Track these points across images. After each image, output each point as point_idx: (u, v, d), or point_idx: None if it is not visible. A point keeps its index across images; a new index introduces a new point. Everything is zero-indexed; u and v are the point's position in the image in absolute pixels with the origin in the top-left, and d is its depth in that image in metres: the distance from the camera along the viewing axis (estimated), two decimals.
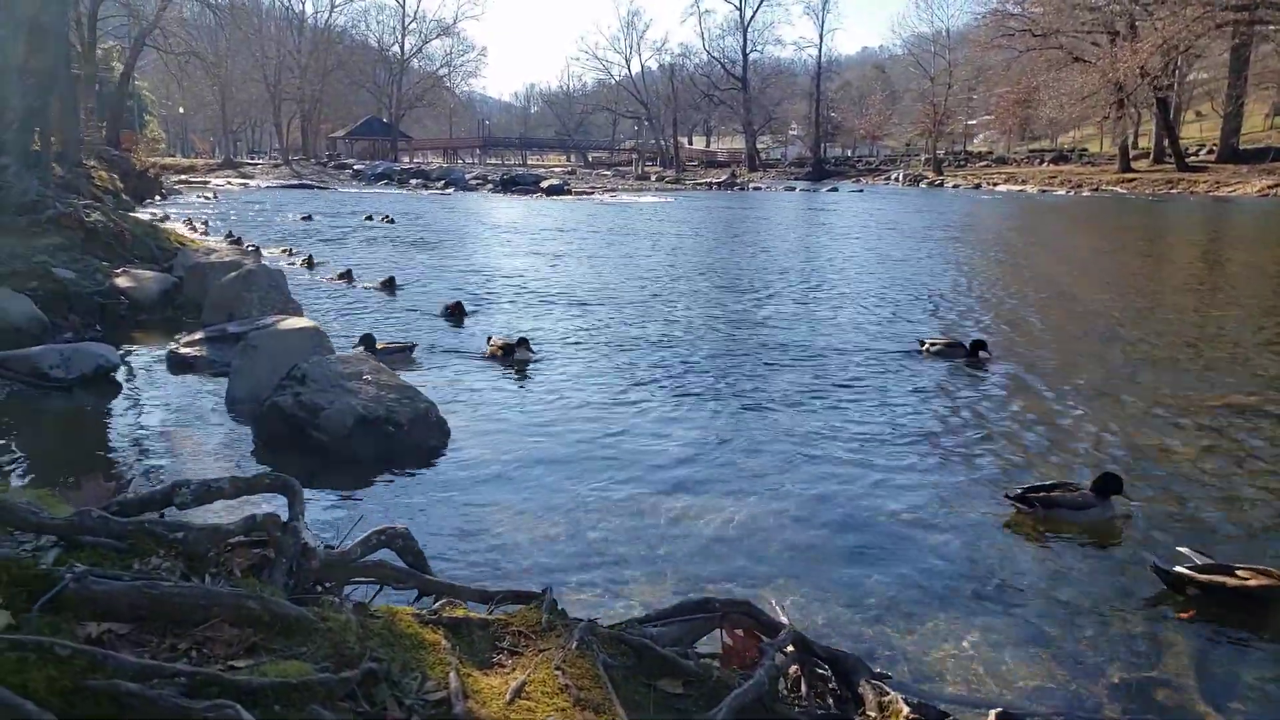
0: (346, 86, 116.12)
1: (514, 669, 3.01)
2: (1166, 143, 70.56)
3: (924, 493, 7.62)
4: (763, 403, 10.22)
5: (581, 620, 3.40)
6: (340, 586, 3.67)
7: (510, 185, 70.69)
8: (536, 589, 3.70)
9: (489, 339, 12.52)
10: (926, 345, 12.61)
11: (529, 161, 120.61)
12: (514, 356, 11.82)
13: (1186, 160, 68.01)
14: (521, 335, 12.30)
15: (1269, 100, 77.13)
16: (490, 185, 72.76)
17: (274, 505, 4.40)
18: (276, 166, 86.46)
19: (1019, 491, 7.24)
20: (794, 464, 8.18)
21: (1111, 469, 7.56)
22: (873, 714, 3.56)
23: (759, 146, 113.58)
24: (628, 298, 17.82)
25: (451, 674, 2.76)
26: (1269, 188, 55.29)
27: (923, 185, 79.11)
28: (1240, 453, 8.58)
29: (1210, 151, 70.26)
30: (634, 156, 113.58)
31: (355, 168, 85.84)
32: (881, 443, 8.86)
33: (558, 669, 3.00)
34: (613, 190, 70.72)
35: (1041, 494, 7.15)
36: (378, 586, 3.81)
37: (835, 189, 74.79)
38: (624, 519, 6.84)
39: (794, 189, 76.63)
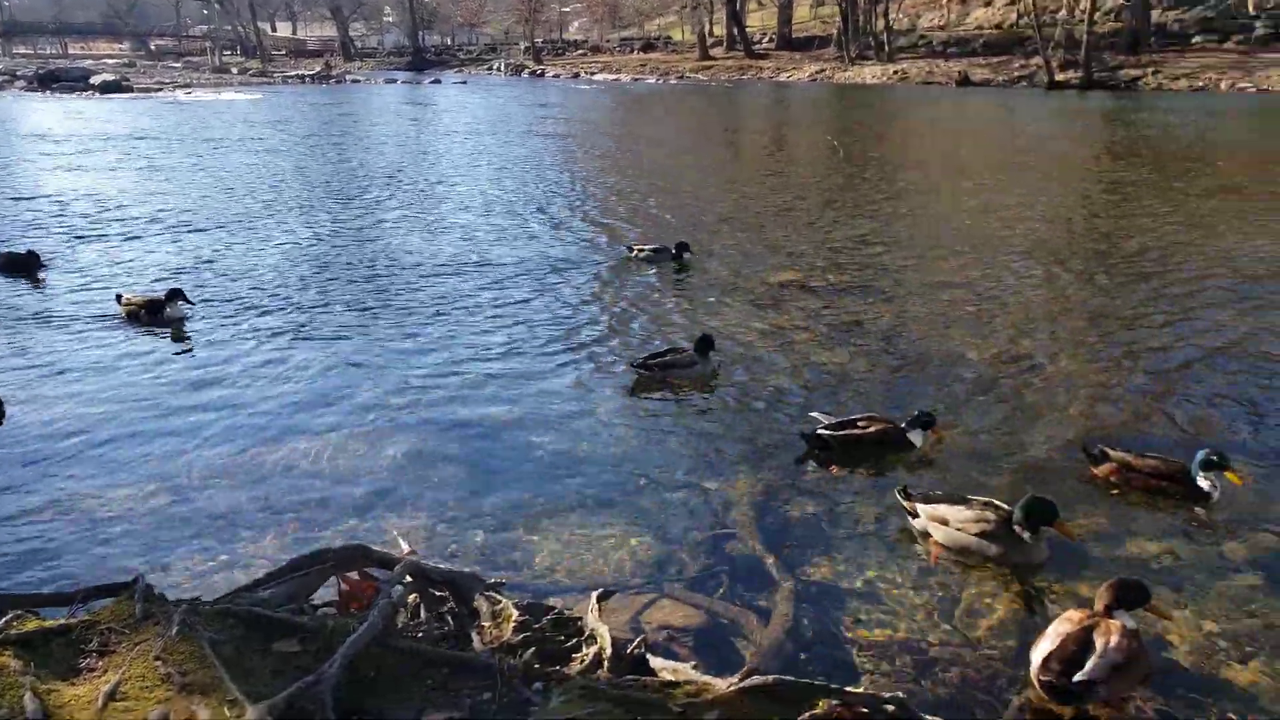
0: None
1: (105, 671, 2.86)
2: (736, 31, 77.34)
3: (552, 394, 8.12)
4: (392, 328, 10.02)
5: (182, 603, 3.29)
6: None
7: (50, 82, 58.04)
8: (127, 578, 3.49)
9: (118, 297, 10.38)
10: (635, 251, 12.96)
11: (70, 51, 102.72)
12: (163, 314, 9.93)
13: (753, 48, 75.25)
14: (174, 287, 10.24)
15: None
16: (23, 83, 59.71)
17: None
18: None
19: (640, 360, 8.47)
20: (420, 388, 8.23)
21: (707, 331, 8.93)
22: (487, 623, 3.87)
23: (352, 34, 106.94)
24: (231, 218, 16.20)
25: (27, 696, 2.58)
26: (817, 73, 63.16)
27: (525, 75, 79.82)
28: (801, 321, 10.09)
29: (770, 40, 78.20)
30: (208, 45, 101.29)
31: None
32: (516, 353, 9.16)
33: (158, 659, 2.91)
34: (186, 86, 62.64)
35: (657, 360, 8.43)
36: None
37: (439, 80, 72.92)
38: (233, 478, 6.49)
39: (395, 81, 73.35)
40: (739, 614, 4.81)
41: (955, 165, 23.69)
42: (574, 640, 3.83)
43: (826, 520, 5.94)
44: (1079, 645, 4.17)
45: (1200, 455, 6.08)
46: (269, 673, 3.14)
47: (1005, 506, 5.51)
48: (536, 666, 3.50)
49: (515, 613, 3.89)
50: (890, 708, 3.47)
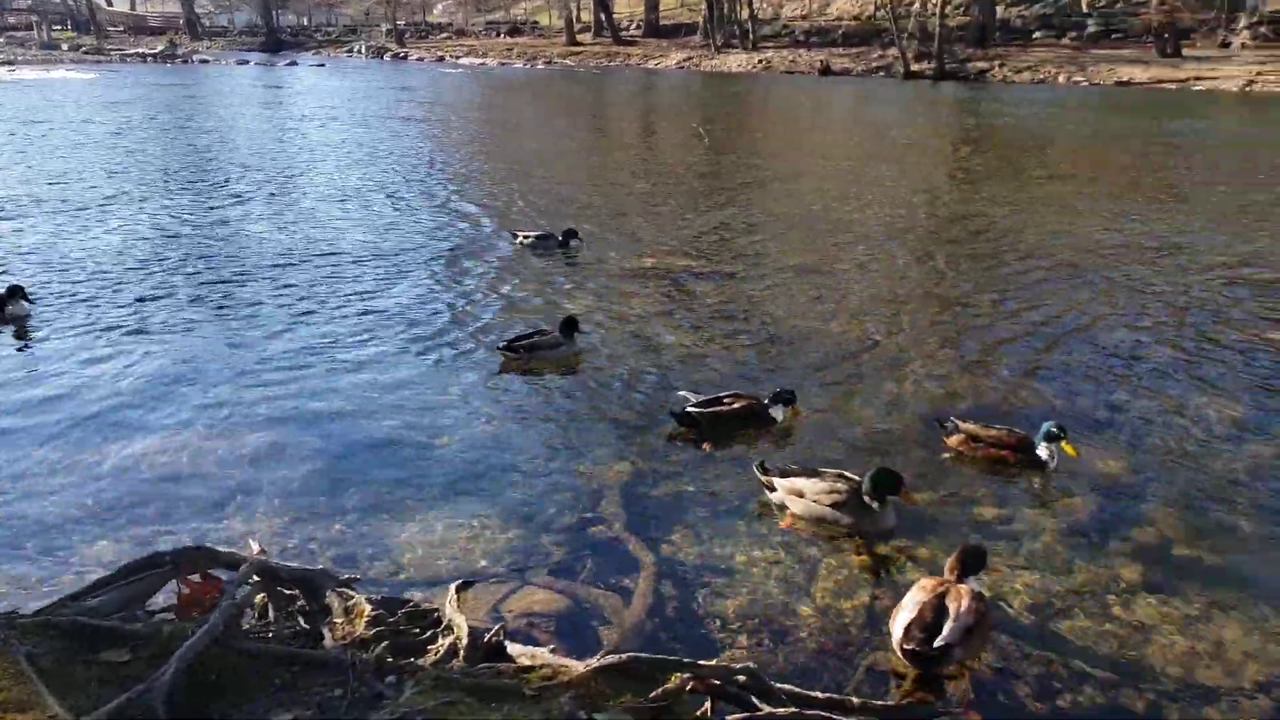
0: None
1: None
2: (604, 17, 77.25)
3: (413, 382, 7.94)
4: (244, 320, 9.57)
5: None
6: None
7: None
8: None
9: None
10: (519, 238, 12.71)
11: None
12: (4, 313, 9.23)
13: (620, 34, 75.36)
14: (14, 284, 9.53)
15: None
16: None
17: None
18: None
19: (505, 342, 8.44)
20: (274, 381, 7.91)
21: (573, 313, 8.98)
22: (339, 620, 3.77)
23: (199, 10, 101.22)
24: (65, 208, 15.09)
25: None
26: (684, 60, 63.83)
27: (387, 58, 77.46)
28: (669, 305, 10.21)
29: (638, 26, 78.49)
30: (34, 20, 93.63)
31: None
32: (376, 342, 8.90)
33: None
34: (9, 63, 58.12)
35: (523, 341, 8.41)
36: None
37: (295, 62, 69.68)
38: (68, 480, 6.09)
39: (248, 62, 69.61)
40: (602, 597, 4.84)
41: (816, 152, 24.40)
42: (430, 632, 3.78)
43: (690, 499, 6.05)
44: (935, 612, 4.38)
45: (1044, 427, 6.45)
46: (95, 684, 2.97)
47: (855, 478, 5.74)
48: (390, 660, 3.43)
49: (368, 608, 3.80)
50: (742, 678, 3.57)
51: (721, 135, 26.76)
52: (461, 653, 3.52)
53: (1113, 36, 55.63)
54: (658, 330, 9.41)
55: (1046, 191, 17.84)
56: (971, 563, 4.68)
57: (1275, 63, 45.48)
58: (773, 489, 5.93)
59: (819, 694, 3.77)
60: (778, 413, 7.17)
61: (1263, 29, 49.69)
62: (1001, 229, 14.29)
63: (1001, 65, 51.73)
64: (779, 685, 3.71)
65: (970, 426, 6.72)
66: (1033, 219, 15.02)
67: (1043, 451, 6.43)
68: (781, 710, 3.44)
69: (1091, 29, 56.53)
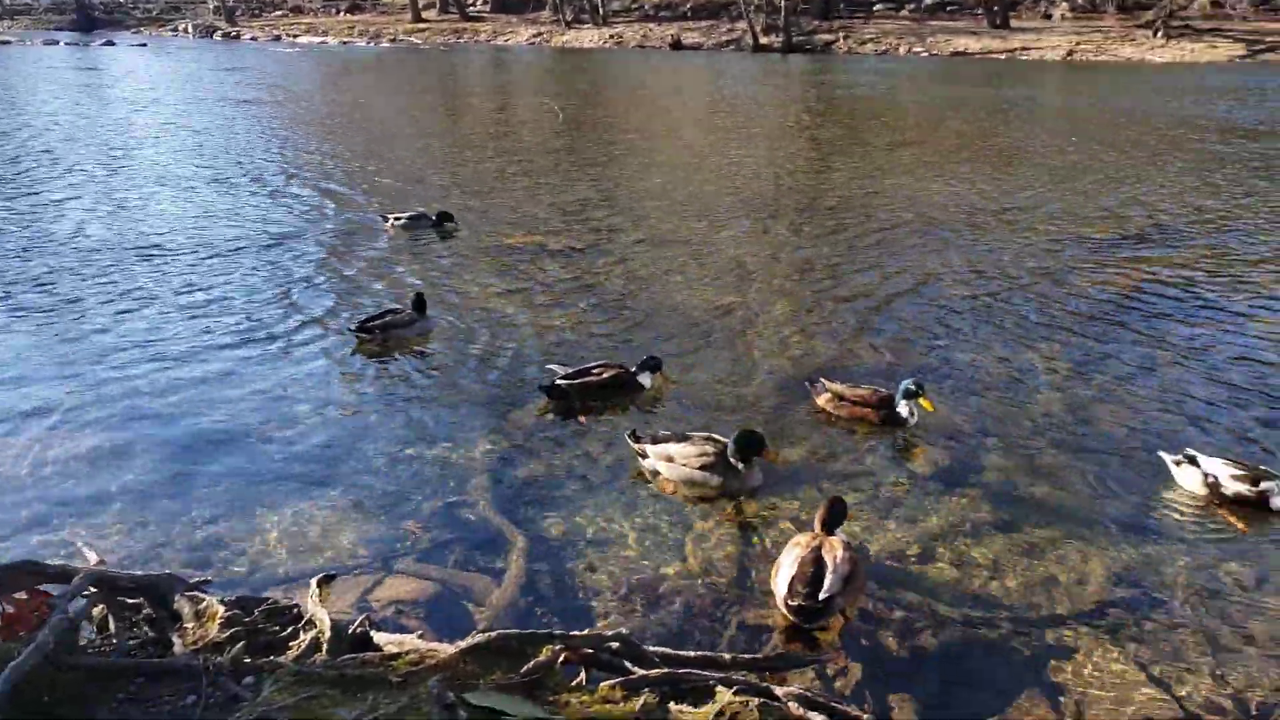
0: None
1: None
2: None
3: (264, 373, 7.57)
4: (77, 318, 8.87)
5: None
6: None
7: None
8: None
9: None
10: (391, 220, 12.27)
11: None
12: None
13: (467, 10, 73.73)
14: None
15: None
16: None
17: None
18: None
19: (358, 323, 8.23)
20: (112, 381, 7.39)
21: (421, 290, 8.85)
22: (190, 624, 3.57)
23: None
24: None
25: None
26: (535, 36, 63.10)
27: (217, 37, 73.11)
28: (532, 281, 10.09)
29: (485, 2, 76.99)
30: None
31: None
32: (224, 334, 8.42)
33: None
34: None
35: (376, 321, 8.22)
36: None
37: (112, 42, 64.10)
38: None
39: (57, 43, 63.33)
40: (473, 580, 4.76)
41: (669, 126, 24.60)
42: (291, 629, 3.62)
43: (561, 473, 6.02)
44: (814, 565, 4.51)
45: (902, 385, 6.69)
46: None
47: (723, 440, 5.85)
48: (247, 660, 3.27)
49: (222, 609, 3.60)
50: (615, 645, 3.57)
51: (575, 111, 26.61)
52: (324, 646, 3.38)
53: (948, 9, 58.17)
54: (516, 306, 9.30)
55: (890, 158, 18.56)
56: (838, 514, 4.85)
57: (1091, 33, 48.69)
58: (645, 456, 5.99)
59: (692, 653, 3.82)
60: (646, 380, 7.24)
61: (1080, 1, 53.00)
62: (846, 195, 14.78)
63: (846, 37, 53.37)
64: (652, 649, 3.74)
65: (837, 386, 6.93)
66: (876, 185, 15.60)
67: (903, 409, 6.65)
68: (654, 672, 3.47)
69: (928, 1, 58.94)
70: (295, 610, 3.75)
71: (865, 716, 3.49)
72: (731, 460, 5.75)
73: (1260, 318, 8.99)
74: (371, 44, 65.35)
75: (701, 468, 5.79)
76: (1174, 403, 7.13)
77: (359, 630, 3.62)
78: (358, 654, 3.31)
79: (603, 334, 8.64)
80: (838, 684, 4.19)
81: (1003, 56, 46.70)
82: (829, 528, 4.79)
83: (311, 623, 3.62)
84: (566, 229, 12.54)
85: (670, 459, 5.88)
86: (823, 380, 7.06)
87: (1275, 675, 4.23)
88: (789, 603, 4.47)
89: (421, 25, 71.06)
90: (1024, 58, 46.13)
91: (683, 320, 8.98)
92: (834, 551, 4.59)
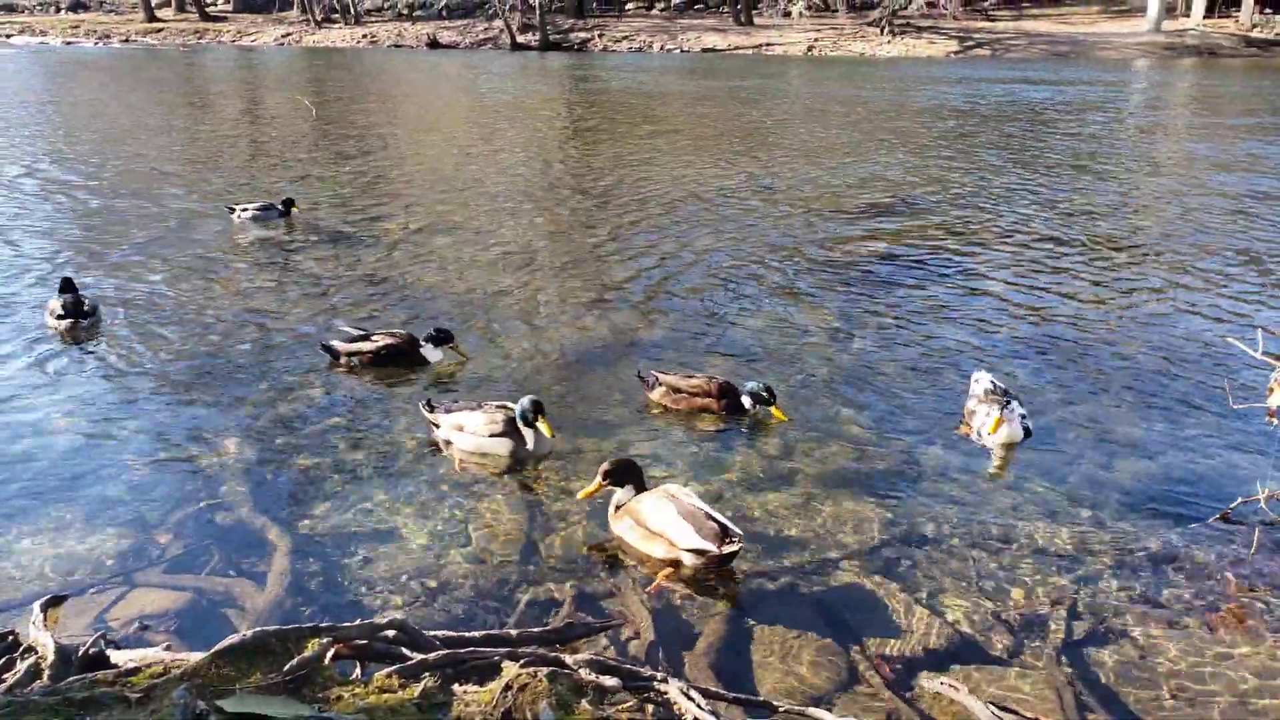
0: None
1: None
2: None
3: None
4: None
5: None
6: None
7: None
8: None
9: None
10: (238, 211, 11.63)
11: None
12: None
13: (206, 10, 68.84)
14: None
15: None
16: None
17: None
18: None
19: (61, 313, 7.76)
20: None
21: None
22: None
23: None
24: None
25: None
26: (284, 36, 59.84)
27: None
28: (298, 273, 9.46)
29: (227, 1, 72.19)
30: None
31: None
32: None
33: None
34: None
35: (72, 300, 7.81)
36: None
37: None
38: None
39: None
40: (231, 585, 4.36)
41: (432, 121, 24.05)
42: (5, 658, 3.15)
43: (330, 466, 5.66)
44: (692, 514, 4.61)
45: (749, 386, 6.39)
46: None
47: (512, 406, 5.75)
48: None
49: None
50: (391, 633, 3.37)
51: (330, 107, 25.40)
52: (46, 673, 2.96)
53: (696, 7, 60.55)
54: (278, 299, 8.71)
55: (651, 145, 19.01)
56: (637, 470, 4.99)
57: (827, 29, 52.28)
58: (437, 426, 5.89)
59: (476, 634, 3.67)
60: (431, 353, 7.07)
61: (815, 0, 56.71)
62: (614, 180, 14.98)
63: (601, 35, 54.31)
64: (433, 633, 3.56)
65: (670, 379, 6.59)
66: (642, 171, 15.91)
67: (746, 400, 6.40)
68: (433, 655, 3.29)
69: (677, 0, 61.02)
70: (11, 638, 3.27)
71: (659, 674, 3.46)
72: (520, 427, 5.69)
73: (990, 267, 9.92)
74: (100, 44, 59.72)
75: (491, 435, 5.72)
76: (939, 348, 7.70)
77: (91, 651, 3.19)
78: (86, 674, 2.91)
79: (381, 321, 8.24)
80: (631, 648, 4.15)
81: (750, 52, 49.19)
82: (641, 485, 4.92)
83: (32, 649, 3.17)
84: (325, 225, 11.89)
85: (461, 428, 5.78)
86: (654, 373, 6.71)
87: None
88: (722, 550, 4.47)
89: (157, 25, 65.69)
90: (768, 53, 48.81)
91: (458, 303, 8.73)
92: (686, 498, 4.76)
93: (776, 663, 4.05)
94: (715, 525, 4.57)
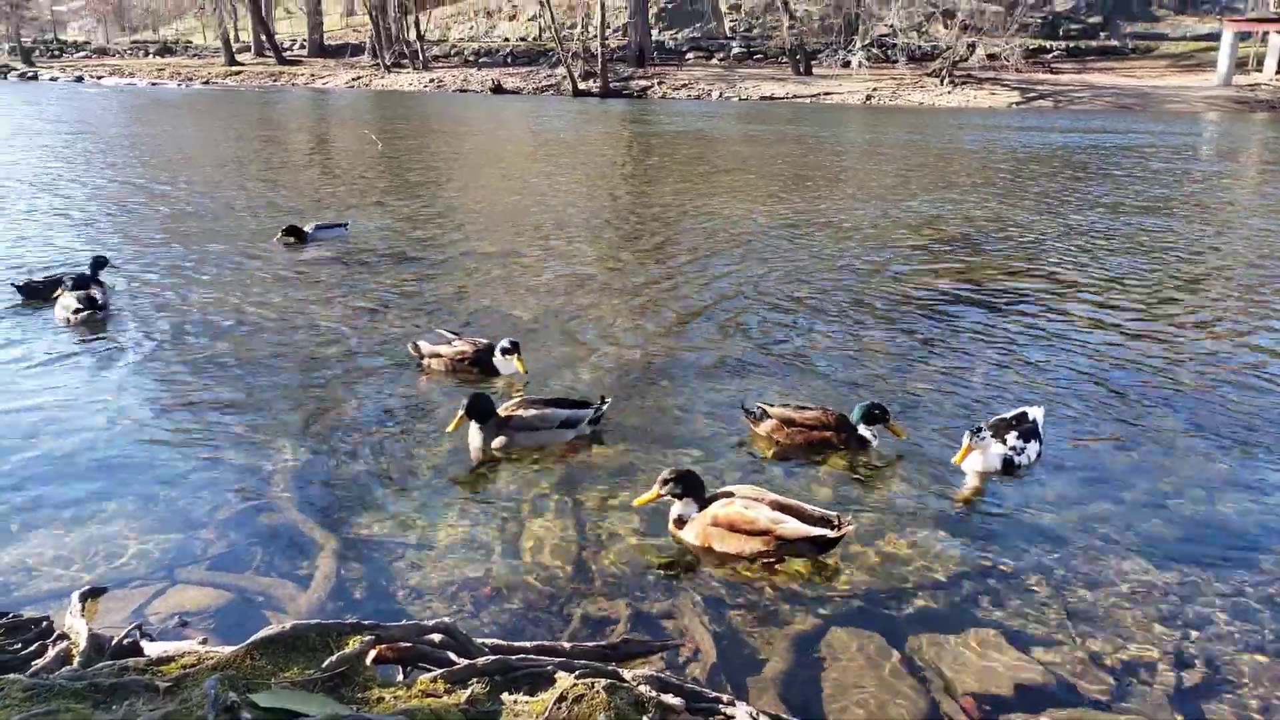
0: None
1: None
2: (264, 37, 72.61)
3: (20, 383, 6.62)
4: None
5: None
6: None
7: None
8: None
9: None
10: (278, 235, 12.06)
11: None
12: None
13: (284, 54, 71.24)
14: None
15: (344, 0, 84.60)
16: None
17: None
18: None
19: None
20: None
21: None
22: None
23: None
24: None
25: None
26: (354, 79, 61.65)
27: (12, 77, 67.32)
28: (369, 296, 9.46)
29: (302, 46, 74.67)
30: None
31: None
32: None
33: None
34: None
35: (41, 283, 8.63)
36: None
37: None
38: None
39: None
40: (273, 585, 4.18)
41: (495, 159, 24.30)
42: (38, 644, 2.99)
43: (384, 469, 5.52)
44: (794, 507, 4.68)
45: (858, 408, 5.97)
46: None
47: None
48: None
49: None
50: (437, 636, 3.15)
51: (398, 144, 25.87)
52: (77, 659, 2.79)
53: (754, 57, 60.97)
54: (341, 314, 8.68)
55: (709, 183, 18.92)
56: (699, 483, 4.83)
57: (887, 79, 52.16)
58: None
59: (527, 644, 3.43)
60: (503, 364, 7.06)
61: (874, 50, 56.75)
62: (677, 214, 14.87)
63: (660, 83, 54.88)
64: (482, 640, 3.33)
65: (782, 411, 6.07)
66: (704, 205, 15.79)
67: (865, 431, 5.94)
68: (482, 660, 3.06)
69: (736, 50, 61.56)
70: (45, 624, 3.12)
71: (725, 697, 3.19)
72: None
73: (1051, 308, 9.54)
74: (184, 85, 61.98)
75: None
76: (995, 381, 7.36)
77: (126, 641, 3.03)
78: (115, 662, 2.73)
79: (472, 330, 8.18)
80: (691, 669, 3.88)
81: (807, 100, 49.23)
82: (702, 497, 4.80)
83: (64, 636, 3.01)
84: (400, 246, 11.96)
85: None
86: (760, 405, 6.16)
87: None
88: (831, 535, 4.51)
89: (237, 69, 68.18)
90: (827, 101, 48.79)
91: (530, 324, 8.63)
92: (765, 496, 4.76)
93: (850, 693, 3.73)
94: (817, 512, 4.59)
